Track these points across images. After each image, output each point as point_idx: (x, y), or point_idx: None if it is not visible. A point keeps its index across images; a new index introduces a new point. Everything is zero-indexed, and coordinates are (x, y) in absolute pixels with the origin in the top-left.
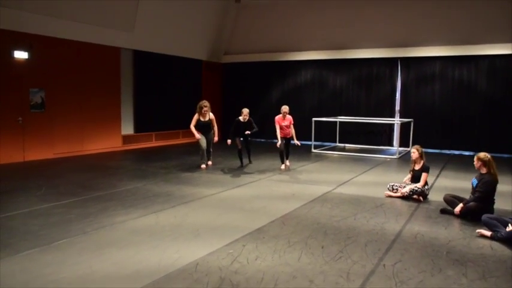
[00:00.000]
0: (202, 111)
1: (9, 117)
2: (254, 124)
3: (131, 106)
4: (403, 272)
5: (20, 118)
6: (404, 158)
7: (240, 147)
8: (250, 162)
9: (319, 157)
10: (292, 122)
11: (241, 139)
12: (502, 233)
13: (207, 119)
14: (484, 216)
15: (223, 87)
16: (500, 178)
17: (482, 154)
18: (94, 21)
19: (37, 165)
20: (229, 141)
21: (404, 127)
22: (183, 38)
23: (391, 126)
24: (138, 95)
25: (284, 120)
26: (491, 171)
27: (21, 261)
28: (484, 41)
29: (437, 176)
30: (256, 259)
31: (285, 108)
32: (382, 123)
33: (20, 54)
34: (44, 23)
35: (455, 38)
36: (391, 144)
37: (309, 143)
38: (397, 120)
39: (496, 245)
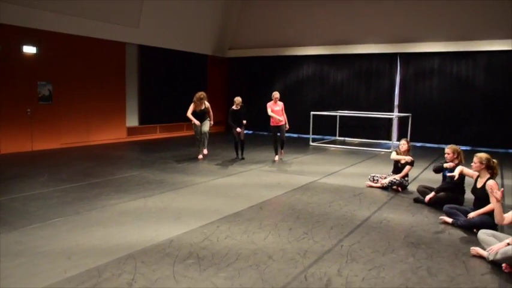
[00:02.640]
0: (200, 102)
1: (19, 109)
2: (245, 112)
3: (136, 99)
4: (357, 251)
5: (28, 110)
6: None
7: (236, 139)
8: (242, 158)
9: (316, 150)
10: (284, 108)
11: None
12: (462, 221)
13: (202, 107)
14: (445, 207)
15: (228, 81)
16: None
17: (454, 146)
18: (100, 17)
19: (44, 154)
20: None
21: (402, 121)
22: (187, 33)
23: (390, 121)
24: (143, 88)
25: (275, 105)
26: (462, 163)
27: (17, 236)
28: (482, 37)
29: (425, 169)
30: (225, 238)
31: (275, 94)
32: (381, 118)
33: (29, 49)
34: (51, 19)
35: (454, 34)
36: (389, 139)
37: (308, 136)
38: (395, 115)
39: (455, 231)
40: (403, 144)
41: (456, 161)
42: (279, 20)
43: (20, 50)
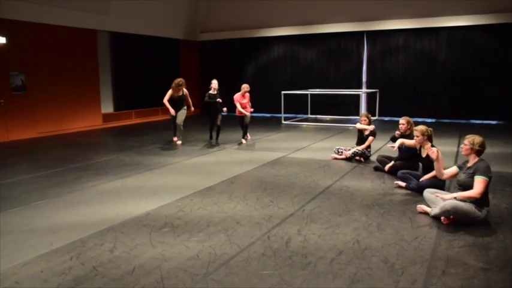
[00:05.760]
0: (178, 88)
1: None
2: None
3: (110, 86)
4: (317, 214)
5: (1, 100)
6: None
7: (212, 123)
8: (217, 143)
9: (287, 128)
10: (249, 98)
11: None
12: (413, 184)
13: (180, 94)
14: (399, 172)
15: (202, 64)
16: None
17: (407, 118)
18: (70, 5)
19: (21, 144)
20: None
21: (371, 97)
22: (158, 18)
23: (358, 97)
24: (116, 74)
25: (243, 98)
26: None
27: (4, 217)
28: (443, 13)
29: (389, 141)
30: (198, 209)
31: (245, 86)
32: (350, 94)
33: None
34: (20, 9)
35: (418, 10)
36: (359, 114)
37: (280, 115)
38: (363, 91)
39: (407, 193)
40: (363, 120)
41: (408, 132)
42: (249, 2)
43: None
